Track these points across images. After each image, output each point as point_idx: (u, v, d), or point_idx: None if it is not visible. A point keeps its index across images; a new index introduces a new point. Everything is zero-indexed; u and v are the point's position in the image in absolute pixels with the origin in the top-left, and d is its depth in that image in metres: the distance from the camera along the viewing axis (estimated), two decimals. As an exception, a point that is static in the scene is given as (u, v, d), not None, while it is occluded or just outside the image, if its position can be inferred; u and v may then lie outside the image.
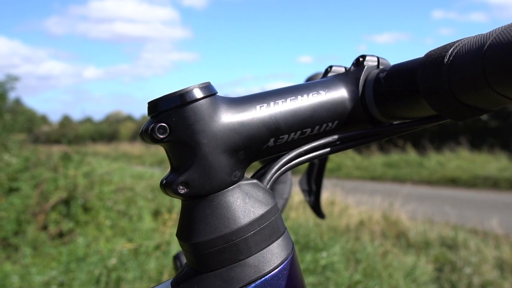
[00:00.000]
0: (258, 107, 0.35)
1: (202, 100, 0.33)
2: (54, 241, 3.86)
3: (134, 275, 2.88)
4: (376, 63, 0.40)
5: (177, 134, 0.33)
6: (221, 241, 0.32)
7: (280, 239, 0.34)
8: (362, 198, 5.59)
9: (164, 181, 0.34)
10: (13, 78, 7.19)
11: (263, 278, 0.33)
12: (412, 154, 10.70)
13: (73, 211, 4.21)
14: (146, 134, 0.33)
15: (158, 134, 0.32)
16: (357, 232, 4.35)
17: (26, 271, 3.02)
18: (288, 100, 0.36)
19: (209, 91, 0.34)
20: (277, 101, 0.36)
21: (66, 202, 4.34)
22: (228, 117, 0.34)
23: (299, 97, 0.37)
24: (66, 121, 38.43)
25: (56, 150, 5.99)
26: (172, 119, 0.32)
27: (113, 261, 3.06)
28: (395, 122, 0.40)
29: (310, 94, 0.37)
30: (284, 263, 0.34)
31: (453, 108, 0.32)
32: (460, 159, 9.78)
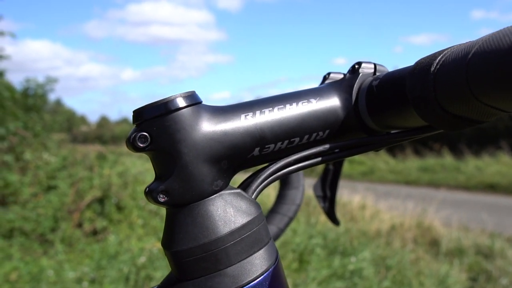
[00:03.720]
0: (243, 116, 0.35)
1: (184, 110, 0.33)
2: (88, 238, 3.98)
3: (162, 274, 2.93)
4: (372, 70, 0.39)
5: (158, 143, 0.33)
6: (200, 250, 0.32)
7: (263, 249, 0.34)
8: (395, 203, 5.47)
9: (147, 189, 0.34)
10: (53, 80, 7.49)
11: None
12: (448, 158, 10.39)
13: (107, 209, 4.33)
14: (129, 142, 0.33)
15: (139, 143, 0.33)
16: (388, 238, 4.25)
17: (61, 266, 3.12)
18: (276, 109, 0.36)
19: (192, 100, 0.34)
20: (263, 110, 0.35)
21: (101, 200, 4.46)
22: (211, 126, 0.34)
23: (288, 105, 0.36)
24: (103, 121, 39.57)
25: (92, 150, 6.18)
26: (154, 128, 0.33)
27: (142, 259, 3.12)
28: (392, 131, 0.39)
29: (300, 103, 0.36)
30: (265, 274, 0.33)
31: (441, 118, 0.31)
32: (500, 164, 9.40)
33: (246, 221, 0.34)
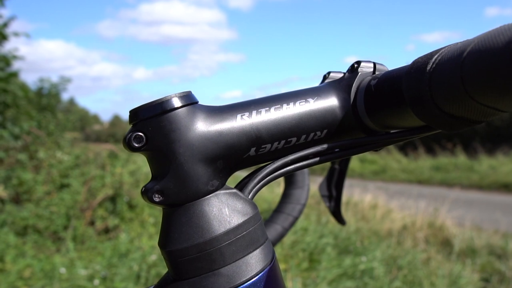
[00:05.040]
0: (239, 116, 0.35)
1: (179, 110, 0.33)
2: (100, 236, 4.02)
3: (173, 272, 2.94)
4: (371, 70, 0.38)
5: (153, 143, 0.33)
6: (195, 250, 0.32)
7: (258, 250, 0.34)
8: (407, 202, 5.42)
9: (143, 188, 0.34)
10: (66, 80, 7.59)
11: None
12: (461, 157, 10.26)
13: (119, 208, 4.37)
14: (125, 142, 0.33)
15: (134, 143, 0.33)
16: (400, 237, 4.22)
17: (73, 264, 3.16)
18: (272, 109, 0.35)
19: (187, 100, 0.34)
20: (259, 110, 0.35)
21: (112, 199, 4.50)
22: (206, 126, 0.34)
23: (285, 105, 0.36)
24: (116, 120, 39.90)
25: (105, 148, 6.23)
26: (149, 128, 0.33)
27: (153, 257, 3.15)
28: (392, 131, 0.38)
29: (297, 103, 0.36)
30: (260, 274, 0.33)
31: (438, 118, 0.30)
32: (514, 164, 9.26)
33: (242, 221, 0.34)
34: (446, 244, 4.07)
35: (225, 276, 0.32)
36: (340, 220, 0.75)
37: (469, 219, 4.64)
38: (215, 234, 0.33)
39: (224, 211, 0.33)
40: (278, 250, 3.30)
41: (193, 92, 0.35)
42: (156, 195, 0.33)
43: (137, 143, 0.33)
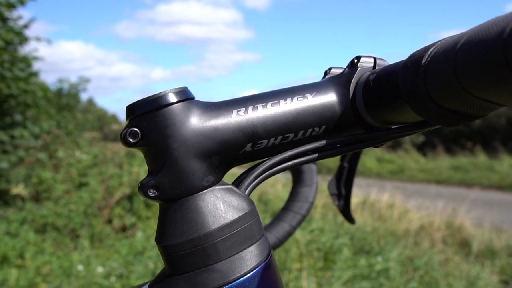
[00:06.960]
0: (235, 112, 0.35)
1: (174, 105, 0.33)
2: (117, 235, 4.07)
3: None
4: (371, 65, 0.37)
5: (148, 139, 0.33)
6: (189, 245, 0.33)
7: (254, 245, 0.34)
8: (425, 202, 5.35)
9: (140, 184, 0.34)
10: (85, 80, 7.71)
11: (229, 285, 0.32)
12: (481, 157, 10.07)
13: (136, 206, 4.41)
14: (121, 138, 0.34)
15: (130, 139, 0.33)
16: (417, 238, 4.17)
17: (90, 261, 3.21)
18: (269, 104, 0.35)
19: (183, 95, 0.34)
20: (256, 106, 0.35)
21: (129, 197, 4.55)
22: (201, 122, 0.34)
23: (282, 101, 0.36)
24: (134, 120, 40.16)
25: (122, 148, 6.32)
26: (144, 123, 0.33)
27: (169, 256, 3.17)
28: (393, 127, 0.38)
29: (295, 98, 0.36)
30: (254, 270, 0.33)
31: (435, 113, 0.30)
32: (536, 163, 9.06)
33: (237, 216, 0.34)
34: (464, 245, 4.00)
35: (220, 272, 0.32)
36: (349, 219, 0.75)
37: (489, 219, 4.56)
38: (210, 229, 0.33)
39: (219, 206, 0.33)
40: (293, 249, 3.29)
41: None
42: (151, 190, 0.34)
43: (132, 138, 0.33)
